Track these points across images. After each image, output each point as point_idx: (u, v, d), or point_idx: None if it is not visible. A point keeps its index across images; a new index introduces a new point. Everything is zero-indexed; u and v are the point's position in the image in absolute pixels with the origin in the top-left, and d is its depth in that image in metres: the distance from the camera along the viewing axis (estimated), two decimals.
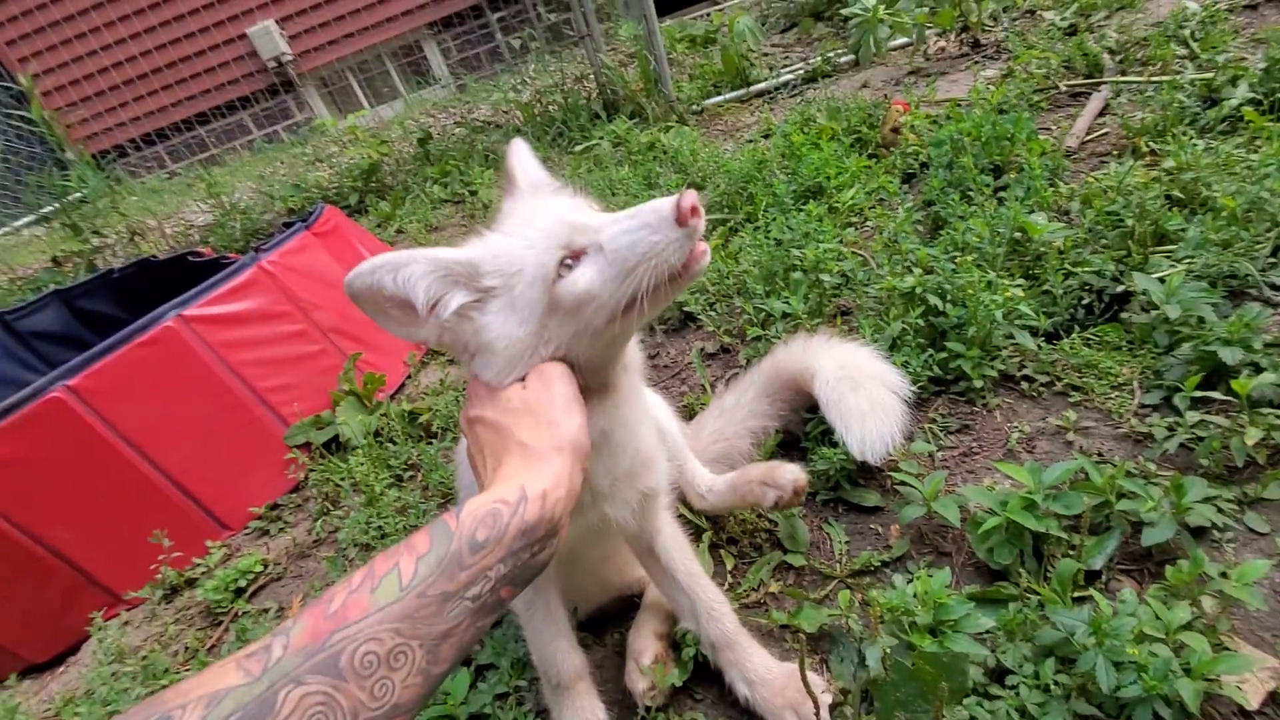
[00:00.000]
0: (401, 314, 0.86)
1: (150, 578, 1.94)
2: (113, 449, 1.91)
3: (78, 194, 4.97)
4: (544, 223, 0.86)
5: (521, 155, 1.01)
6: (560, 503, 0.76)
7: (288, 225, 2.65)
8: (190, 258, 3.18)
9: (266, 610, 1.80)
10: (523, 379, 0.86)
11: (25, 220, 6.69)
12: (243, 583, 1.89)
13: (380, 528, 1.82)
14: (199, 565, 2.00)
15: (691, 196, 0.79)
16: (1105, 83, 2.73)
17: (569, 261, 0.84)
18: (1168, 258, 1.68)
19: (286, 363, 2.26)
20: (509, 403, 0.84)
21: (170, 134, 7.95)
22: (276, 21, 7.73)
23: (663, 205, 0.81)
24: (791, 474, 1.34)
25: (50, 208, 5.03)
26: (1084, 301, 1.68)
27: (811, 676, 1.06)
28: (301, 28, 7.84)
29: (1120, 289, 1.66)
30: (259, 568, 1.92)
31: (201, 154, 8.18)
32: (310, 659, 0.58)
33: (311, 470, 2.17)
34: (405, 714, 0.61)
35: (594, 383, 0.92)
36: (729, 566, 1.44)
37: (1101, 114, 2.56)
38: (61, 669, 1.93)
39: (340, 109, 8.21)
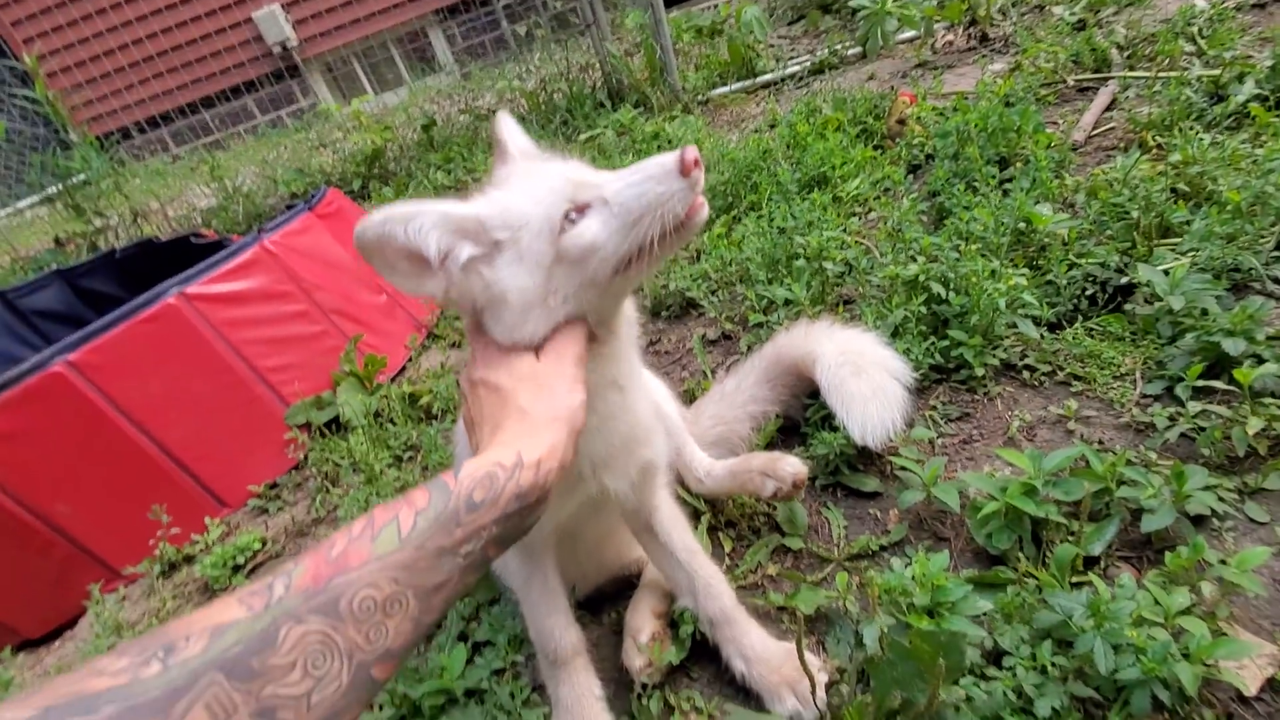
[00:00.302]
0: (410, 266, 0.86)
1: (149, 553, 1.95)
2: (113, 424, 1.91)
3: (81, 175, 4.95)
4: (548, 179, 0.88)
5: (509, 127, 1.01)
6: (553, 472, 0.79)
7: (290, 207, 2.65)
8: (193, 239, 3.18)
9: None
10: (537, 350, 0.87)
11: (28, 201, 6.68)
12: (241, 559, 1.89)
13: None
14: (197, 542, 2.00)
15: (693, 150, 0.82)
16: (1113, 78, 2.71)
17: (574, 215, 0.85)
18: (1172, 250, 1.67)
19: (288, 342, 2.26)
20: (517, 369, 0.85)
21: (174, 117, 7.92)
22: (282, 6, 7.71)
23: (666, 159, 0.83)
24: (792, 467, 1.35)
25: (53, 189, 5.01)
26: (1087, 292, 1.68)
27: (808, 655, 1.06)
28: (307, 13, 7.82)
29: (1124, 280, 1.66)
30: (257, 545, 1.93)
31: (205, 138, 8.17)
32: (311, 599, 0.60)
33: (311, 450, 2.17)
34: (394, 658, 0.64)
35: (600, 329, 0.94)
36: (727, 549, 1.44)
37: (1109, 108, 2.55)
38: (57, 643, 1.93)
39: (345, 95, 8.19)
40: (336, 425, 2.26)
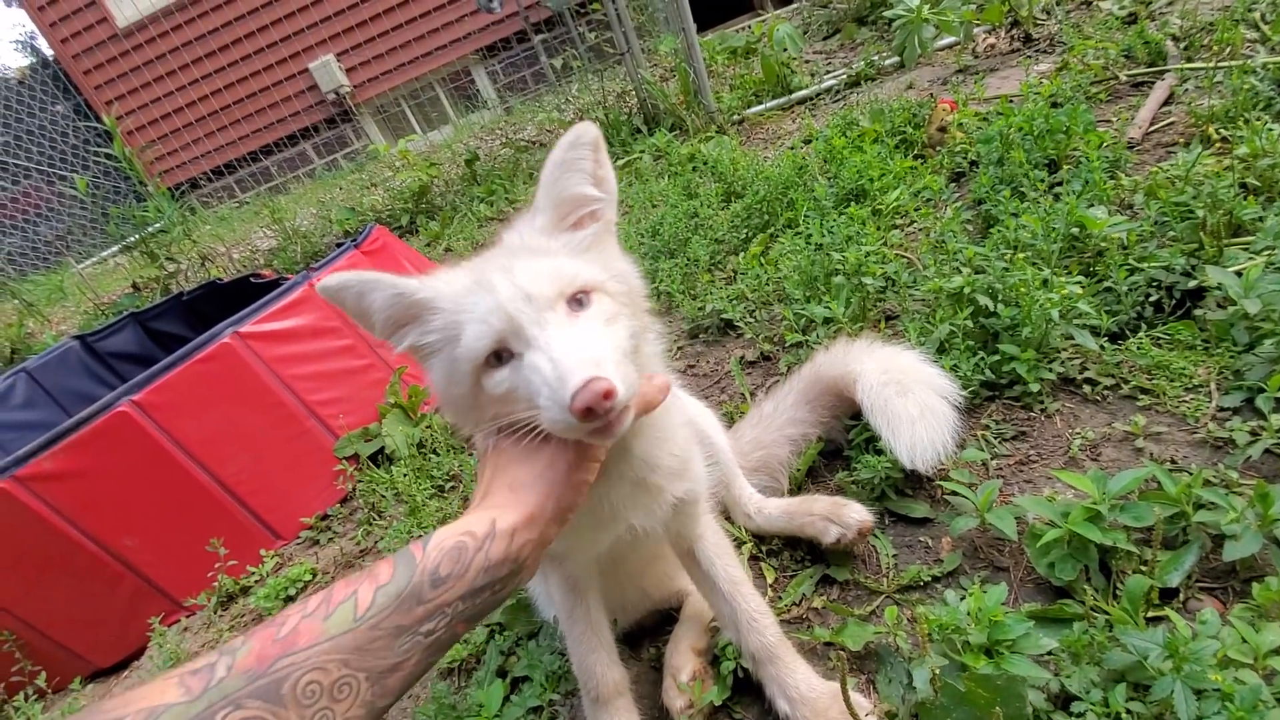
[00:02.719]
0: (365, 325, 0.88)
1: (208, 585, 2.02)
2: (174, 460, 2.00)
3: (155, 224, 5.31)
4: (492, 301, 0.79)
5: (559, 164, 0.89)
6: (528, 545, 0.75)
7: (340, 245, 2.76)
8: (253, 279, 3.34)
9: None
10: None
11: (110, 251, 7.20)
12: (293, 591, 1.94)
13: (421, 537, 1.84)
14: (253, 573, 2.06)
15: (588, 395, 0.69)
16: (1170, 70, 2.57)
17: (503, 353, 0.80)
18: (1244, 249, 1.55)
19: (335, 377, 2.33)
20: (531, 442, 0.81)
21: (238, 165, 8.44)
22: (336, 56, 8.15)
23: (566, 381, 0.71)
24: (858, 514, 1.31)
25: (131, 238, 5.38)
26: (1151, 299, 1.57)
27: (856, 697, 1.00)
28: (358, 60, 8.24)
29: (1192, 284, 1.54)
30: (308, 576, 1.97)
31: (267, 183, 8.65)
32: (253, 683, 0.57)
33: (359, 481, 2.22)
34: None
35: None
36: (769, 580, 1.39)
37: (1166, 103, 2.41)
38: (126, 673, 2.02)
39: (394, 135, 8.56)
40: (383, 456, 2.31)
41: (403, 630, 0.65)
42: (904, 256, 2.04)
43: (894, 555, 1.34)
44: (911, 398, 1.34)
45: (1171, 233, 1.68)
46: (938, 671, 0.97)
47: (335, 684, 0.60)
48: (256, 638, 0.61)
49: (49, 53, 8.67)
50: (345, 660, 0.61)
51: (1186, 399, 1.36)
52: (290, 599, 1.94)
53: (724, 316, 2.22)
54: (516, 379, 0.78)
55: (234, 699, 0.55)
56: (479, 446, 0.90)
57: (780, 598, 1.34)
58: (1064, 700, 0.97)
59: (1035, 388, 1.49)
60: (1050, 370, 1.52)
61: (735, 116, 4.22)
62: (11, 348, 5.43)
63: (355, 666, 0.61)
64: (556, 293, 0.80)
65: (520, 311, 0.78)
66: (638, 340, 0.88)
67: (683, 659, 1.20)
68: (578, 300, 0.82)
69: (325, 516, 2.24)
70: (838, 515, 1.30)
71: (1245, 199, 1.64)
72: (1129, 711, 0.90)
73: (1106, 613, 1.04)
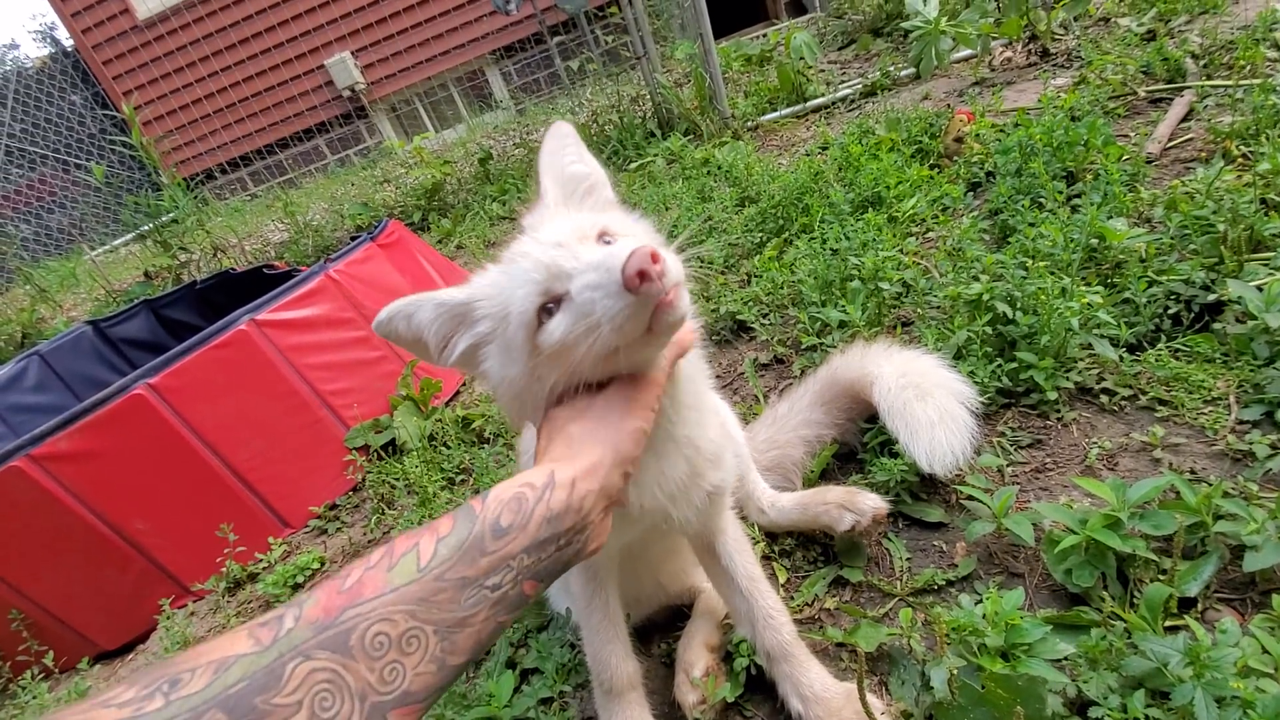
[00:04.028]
0: (422, 351, 0.91)
1: (216, 570, 2.02)
2: (187, 445, 2.01)
3: (169, 215, 5.35)
4: (529, 262, 0.81)
5: (552, 152, 0.95)
6: (591, 495, 0.73)
7: (354, 238, 2.77)
8: (265, 270, 3.36)
9: None
10: (603, 385, 0.84)
11: (123, 239, 7.25)
12: (300, 579, 1.94)
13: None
14: (261, 560, 2.07)
15: (640, 258, 0.69)
16: (1189, 87, 2.57)
17: (550, 306, 0.79)
18: (1265, 265, 1.55)
19: (349, 367, 2.34)
20: (578, 400, 0.83)
21: (253, 159, 8.49)
22: (352, 53, 8.20)
23: (613, 263, 0.71)
24: (872, 502, 1.30)
25: (145, 227, 5.42)
26: (1170, 311, 1.57)
27: (870, 698, 1.00)
28: (375, 58, 8.30)
29: (1212, 298, 1.54)
30: (316, 565, 1.98)
31: (280, 177, 8.70)
32: (321, 633, 0.56)
33: (369, 472, 2.22)
34: (417, 704, 0.58)
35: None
36: (782, 580, 1.38)
37: (1185, 119, 2.41)
38: (131, 656, 2.02)
39: (407, 133, 8.61)
40: (393, 448, 2.32)
41: (468, 582, 0.63)
42: (920, 263, 2.04)
43: (908, 559, 1.33)
44: (931, 402, 1.34)
45: (1191, 246, 1.68)
46: (955, 672, 0.97)
47: (403, 636, 0.58)
48: (321, 590, 0.59)
49: (68, 43, 8.75)
50: (411, 612, 0.59)
51: (1205, 411, 1.36)
52: (298, 587, 1.94)
53: (738, 318, 2.22)
54: (570, 312, 0.76)
55: (303, 650, 0.54)
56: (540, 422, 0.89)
57: (793, 598, 1.33)
58: (1081, 705, 0.97)
59: (1052, 396, 1.49)
60: (1068, 379, 1.51)
61: (750, 123, 4.24)
62: (23, 332, 5.46)
63: (422, 619, 0.60)
64: (582, 234, 0.83)
65: (555, 255, 0.79)
66: None
67: (696, 654, 1.20)
68: (605, 240, 0.84)
69: (334, 506, 2.25)
70: (852, 503, 1.30)
71: (1267, 215, 1.64)
72: (1148, 717, 0.90)
73: (1124, 620, 1.03)
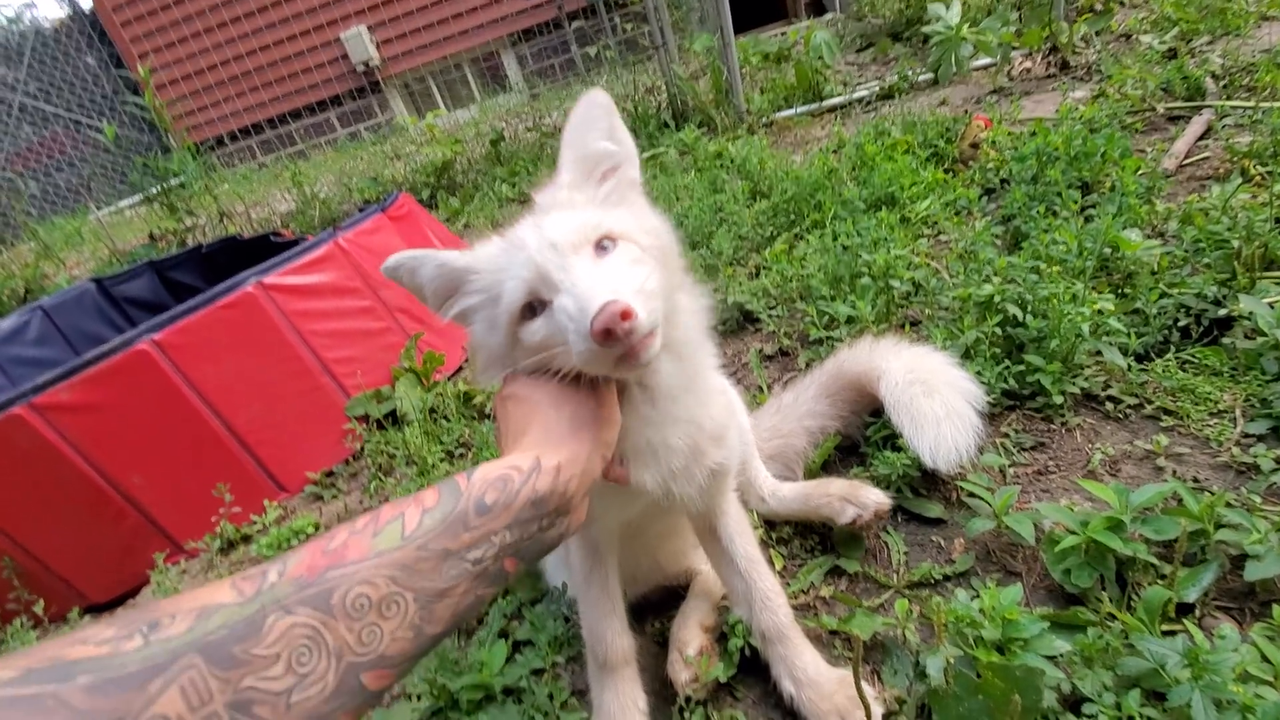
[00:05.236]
0: (422, 300, 0.95)
1: (210, 530, 2.02)
2: (187, 403, 2.00)
3: (178, 178, 5.32)
4: (523, 256, 0.82)
5: (578, 125, 0.93)
6: (574, 480, 0.75)
7: (363, 209, 2.76)
8: (272, 237, 3.35)
9: None
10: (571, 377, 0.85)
11: (130, 201, 7.22)
12: (294, 543, 1.94)
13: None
14: (256, 522, 2.06)
15: (607, 317, 0.69)
16: (1209, 106, 2.57)
17: (536, 304, 0.82)
18: (1277, 283, 1.55)
19: (353, 336, 2.33)
20: (546, 386, 0.84)
21: (264, 128, 8.45)
22: (368, 27, 8.15)
23: (588, 306, 0.72)
24: (876, 496, 1.31)
25: (153, 189, 5.39)
26: (1180, 323, 1.57)
27: (863, 685, 1.00)
28: (391, 34, 8.25)
29: (1222, 313, 1.55)
30: (311, 530, 1.97)
31: (290, 148, 8.66)
32: (302, 590, 0.56)
33: (368, 441, 2.22)
34: (391, 668, 0.59)
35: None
36: (779, 567, 1.38)
37: (1202, 137, 2.41)
38: (120, 610, 2.02)
39: (420, 111, 8.57)
40: (393, 419, 2.31)
41: (450, 554, 0.64)
42: (932, 264, 2.04)
43: (905, 552, 1.33)
44: (937, 398, 1.34)
45: (1205, 260, 1.68)
46: (951, 662, 0.97)
47: (383, 600, 0.59)
48: (306, 550, 0.60)
49: (86, 2, 8.69)
50: (393, 577, 0.60)
51: (1210, 423, 1.36)
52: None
53: (746, 309, 2.22)
54: (550, 325, 0.79)
55: (284, 604, 0.55)
56: (494, 405, 0.92)
57: (789, 584, 1.33)
58: (1075, 702, 0.97)
59: (1058, 400, 1.49)
60: (1074, 384, 1.52)
61: (765, 119, 4.23)
62: (26, 288, 5.44)
63: (403, 585, 0.60)
64: (581, 239, 0.82)
65: (547, 260, 0.80)
66: (670, 292, 0.88)
67: (690, 634, 1.20)
68: (603, 247, 0.84)
69: (331, 473, 2.24)
70: (855, 496, 1.31)
71: None
72: (1142, 716, 0.90)
73: (1121, 621, 1.03)
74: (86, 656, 0.47)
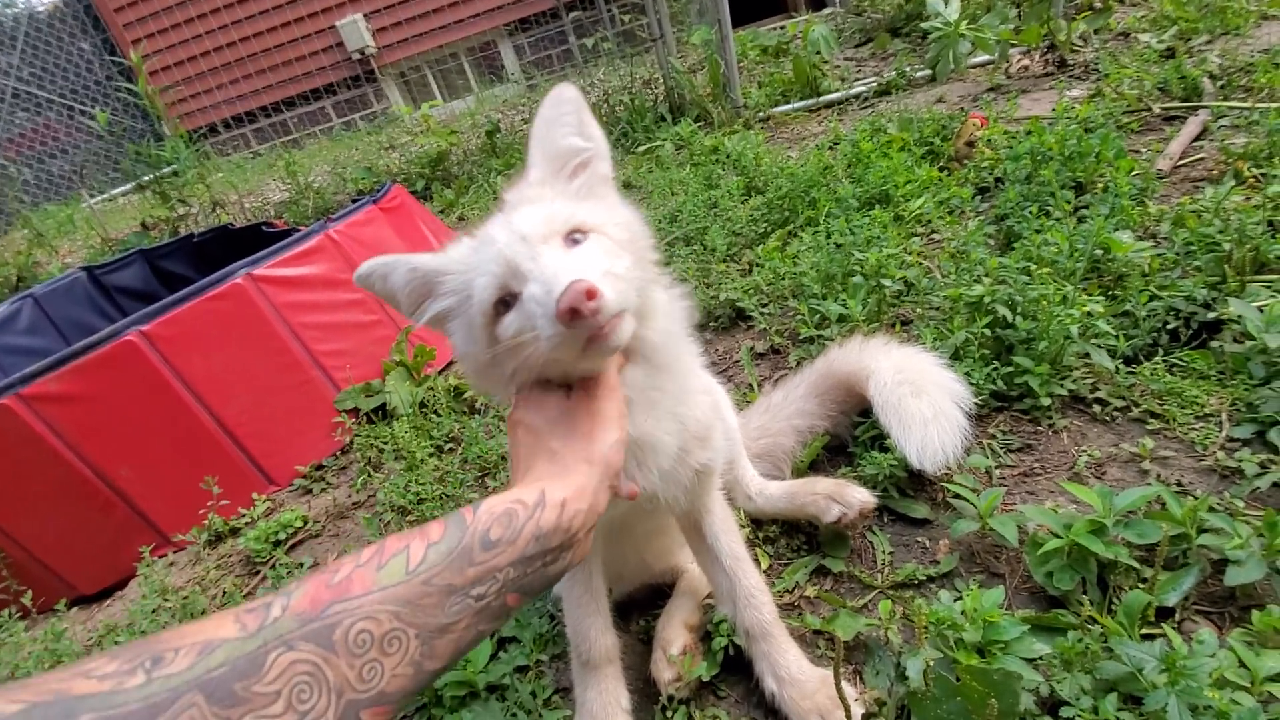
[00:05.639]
0: (398, 307, 0.92)
1: (198, 522, 2.01)
2: (175, 395, 1.99)
3: (170, 166, 5.28)
4: (492, 251, 0.81)
5: (546, 122, 0.92)
6: (580, 515, 0.74)
7: (355, 201, 2.74)
8: (265, 227, 3.32)
9: (302, 564, 1.84)
10: (568, 388, 0.85)
11: (122, 189, 7.16)
12: (282, 535, 1.94)
13: (418, 493, 1.84)
14: (244, 515, 2.06)
15: (572, 296, 0.69)
16: (1205, 106, 2.57)
17: (509, 299, 0.80)
18: (1268, 286, 1.56)
19: (343, 329, 2.32)
20: (548, 410, 0.83)
21: (258, 116, 8.39)
22: (364, 15, 8.08)
23: (554, 287, 0.71)
24: (861, 496, 1.31)
25: (146, 177, 5.35)
26: (1169, 326, 1.57)
27: (844, 685, 1.00)
28: (387, 22, 8.17)
29: (1212, 316, 1.55)
30: (299, 523, 1.97)
31: (284, 136, 8.60)
32: (305, 625, 0.56)
33: (357, 435, 2.21)
34: (389, 704, 0.59)
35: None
36: (764, 566, 1.39)
37: (1198, 138, 2.41)
38: (109, 602, 2.01)
39: (416, 101, 8.50)
40: (383, 413, 2.31)
41: (454, 590, 0.64)
42: (924, 263, 2.04)
43: (890, 553, 1.34)
44: (925, 399, 1.34)
45: (1195, 263, 1.68)
46: (931, 664, 0.97)
47: (385, 636, 0.59)
48: (310, 582, 0.60)
49: None
50: (397, 613, 0.60)
51: (1196, 427, 1.37)
52: (279, 544, 1.94)
53: (737, 306, 2.21)
54: (521, 316, 0.78)
55: (287, 639, 0.55)
56: (507, 425, 0.90)
57: (774, 584, 1.34)
58: (1053, 705, 0.98)
59: (1046, 402, 1.49)
60: (1062, 386, 1.52)
61: (761, 114, 4.21)
62: (18, 275, 5.40)
63: (406, 621, 0.60)
64: (551, 230, 0.82)
65: (516, 252, 0.79)
66: (643, 286, 0.87)
67: (674, 632, 1.20)
68: (574, 239, 0.83)
69: (320, 467, 2.24)
70: (840, 495, 1.31)
71: (1273, 236, 1.64)
72: None
73: (1101, 625, 1.04)
74: (89, 693, 0.47)
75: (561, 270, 0.73)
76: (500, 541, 0.67)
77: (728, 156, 3.44)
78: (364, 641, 0.57)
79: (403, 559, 0.63)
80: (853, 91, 4.08)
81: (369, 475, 2.09)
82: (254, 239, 3.22)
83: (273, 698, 0.52)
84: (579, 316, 0.70)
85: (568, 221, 0.83)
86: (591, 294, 0.69)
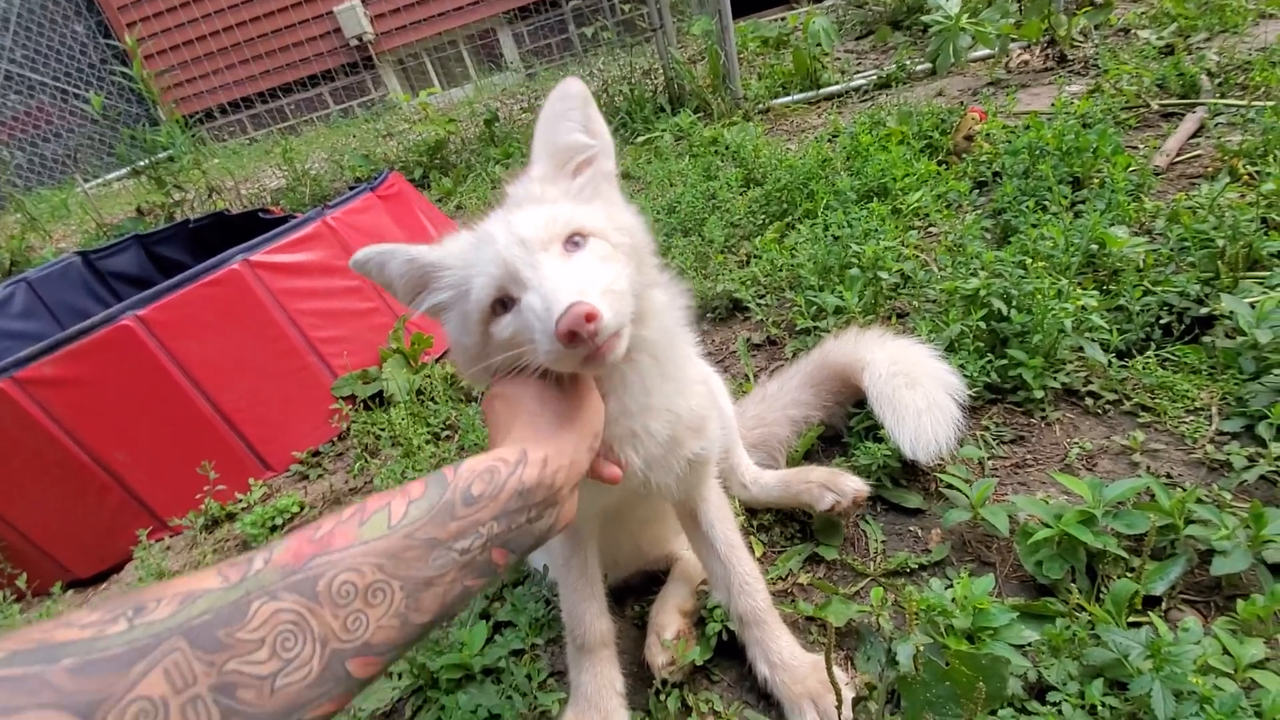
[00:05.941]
0: (394, 294, 0.94)
1: (194, 507, 2.02)
2: (172, 380, 1.99)
3: (165, 151, 5.24)
4: (491, 252, 0.82)
5: (551, 117, 0.91)
6: (562, 471, 0.75)
7: (353, 188, 2.73)
8: (261, 214, 3.31)
9: None
10: (546, 373, 0.85)
11: (117, 174, 7.10)
12: (279, 521, 1.94)
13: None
14: (240, 500, 2.07)
15: (572, 319, 0.70)
16: (1203, 104, 2.57)
17: (506, 300, 0.82)
18: (1260, 283, 1.57)
19: (340, 316, 2.32)
20: (529, 385, 0.84)
21: (255, 102, 8.32)
22: (362, 1, 8.00)
23: (554, 306, 0.72)
24: (854, 484, 1.33)
25: (141, 162, 5.30)
26: (1162, 321, 1.58)
27: (835, 670, 1.02)
28: (385, 9, 8.10)
29: (1204, 311, 1.56)
30: (295, 508, 1.98)
31: (281, 123, 8.53)
32: (288, 576, 0.56)
33: (354, 421, 2.22)
34: (377, 656, 0.59)
35: None
36: (759, 553, 1.40)
37: (1195, 135, 2.42)
38: (104, 585, 2.02)
39: (414, 88, 8.44)
40: (380, 400, 2.31)
41: (437, 543, 0.64)
42: (921, 256, 2.04)
43: (883, 541, 1.35)
44: (920, 390, 1.35)
45: (1189, 259, 1.69)
46: (921, 649, 0.99)
47: (369, 587, 0.59)
48: (293, 538, 0.60)
49: None
50: (379, 565, 0.60)
51: (1187, 420, 1.38)
52: (276, 529, 1.95)
53: (735, 297, 2.22)
54: (518, 323, 0.80)
55: (270, 590, 0.55)
56: (483, 406, 0.92)
57: (767, 571, 1.35)
58: (1040, 690, 0.99)
59: (1039, 395, 1.50)
60: (1055, 379, 1.53)
61: (761, 105, 4.19)
62: (11, 260, 5.36)
63: (389, 573, 0.61)
64: (550, 235, 0.82)
65: (515, 256, 0.80)
66: (642, 289, 0.88)
67: (668, 617, 1.22)
68: (574, 243, 0.83)
69: (317, 453, 2.24)
70: (834, 483, 1.32)
71: (1267, 234, 1.65)
72: (1104, 705, 0.92)
73: (1089, 613, 1.06)
74: (71, 639, 0.47)
75: (561, 287, 0.74)
76: (482, 496, 0.68)
77: (727, 148, 3.43)
78: (348, 593, 0.58)
79: (384, 515, 0.64)
80: (853, 84, 4.07)
81: (366, 461, 2.09)
82: (250, 225, 3.21)
83: (256, 644, 0.53)
84: (578, 339, 0.71)
85: (568, 225, 0.83)
86: (591, 317, 0.71)
